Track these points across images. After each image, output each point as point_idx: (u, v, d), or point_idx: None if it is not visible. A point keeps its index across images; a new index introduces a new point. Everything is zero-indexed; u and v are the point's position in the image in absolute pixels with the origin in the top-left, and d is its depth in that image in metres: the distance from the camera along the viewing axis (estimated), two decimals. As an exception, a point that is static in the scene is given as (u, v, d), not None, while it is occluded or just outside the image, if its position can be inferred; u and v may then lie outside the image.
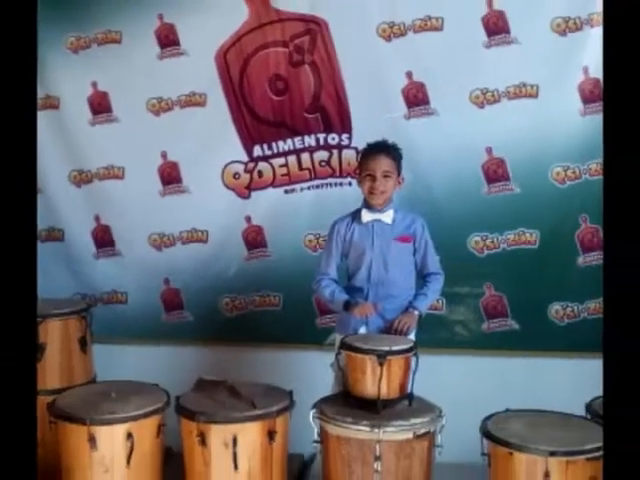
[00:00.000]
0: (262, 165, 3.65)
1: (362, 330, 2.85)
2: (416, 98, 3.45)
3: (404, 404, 2.55)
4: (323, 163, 3.60)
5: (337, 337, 2.92)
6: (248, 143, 3.65)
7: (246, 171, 3.67)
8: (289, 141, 3.61)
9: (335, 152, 3.58)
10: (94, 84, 3.76)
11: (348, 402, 2.55)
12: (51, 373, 3.11)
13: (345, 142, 3.56)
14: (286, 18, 3.54)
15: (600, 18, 3.18)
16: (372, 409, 2.46)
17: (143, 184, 3.75)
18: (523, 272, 3.44)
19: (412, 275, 2.94)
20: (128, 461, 2.48)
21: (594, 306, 3.39)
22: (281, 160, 3.63)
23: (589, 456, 2.17)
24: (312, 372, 3.15)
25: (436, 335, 3.45)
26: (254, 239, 3.71)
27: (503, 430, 2.31)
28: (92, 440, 2.43)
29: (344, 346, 2.59)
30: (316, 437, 2.52)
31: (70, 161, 3.83)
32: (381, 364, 2.45)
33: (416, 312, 2.86)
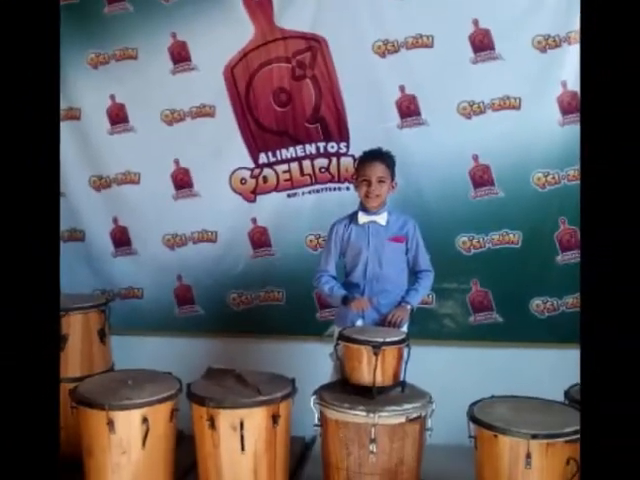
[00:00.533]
0: (267, 171, 3.65)
1: (359, 323, 2.86)
2: (408, 109, 3.45)
3: (397, 391, 2.55)
4: (323, 169, 3.60)
5: (336, 329, 2.92)
6: (254, 151, 3.65)
7: (252, 177, 3.67)
8: (291, 149, 3.61)
9: (334, 159, 3.58)
10: (112, 97, 3.76)
11: (346, 389, 2.55)
12: (73, 362, 3.11)
13: (343, 150, 3.56)
14: (289, 36, 3.54)
15: (577, 36, 3.18)
16: (368, 395, 2.46)
17: (157, 188, 3.75)
18: (506, 269, 3.43)
19: (405, 272, 2.94)
20: (143, 443, 2.48)
21: (572, 300, 3.39)
22: (284, 166, 3.63)
23: (567, 439, 2.17)
24: (313, 361, 3.15)
25: (426, 327, 3.45)
26: (259, 239, 3.70)
27: (488, 415, 2.31)
28: (110, 424, 2.43)
29: (342, 337, 2.59)
30: (316, 421, 2.52)
31: (90, 167, 3.83)
32: (376, 354, 2.46)
33: (408, 306, 2.87)
